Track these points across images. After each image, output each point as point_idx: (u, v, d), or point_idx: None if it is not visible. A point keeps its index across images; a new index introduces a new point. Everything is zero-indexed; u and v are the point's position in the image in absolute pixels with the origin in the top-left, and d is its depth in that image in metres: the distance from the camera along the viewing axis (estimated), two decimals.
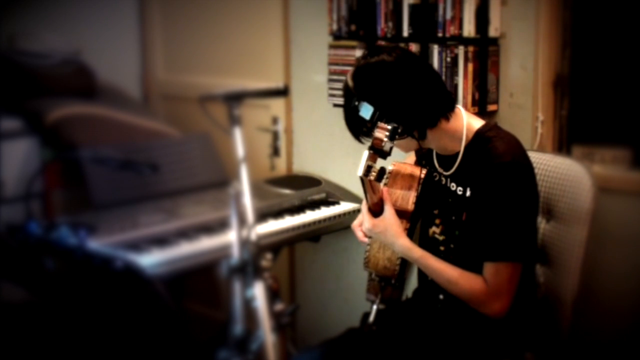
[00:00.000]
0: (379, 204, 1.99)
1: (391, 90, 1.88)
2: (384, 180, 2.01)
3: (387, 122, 1.78)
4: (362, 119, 1.87)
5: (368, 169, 1.80)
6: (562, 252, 2.09)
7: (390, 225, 1.97)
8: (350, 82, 1.91)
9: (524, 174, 1.89)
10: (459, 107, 2.01)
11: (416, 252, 1.96)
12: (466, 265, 1.94)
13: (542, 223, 2.15)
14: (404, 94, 1.89)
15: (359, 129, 1.92)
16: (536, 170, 2.13)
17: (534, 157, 2.17)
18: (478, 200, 1.92)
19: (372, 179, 1.82)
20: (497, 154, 1.87)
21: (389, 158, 1.79)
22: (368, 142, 1.82)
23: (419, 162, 2.13)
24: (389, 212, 1.98)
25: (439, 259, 1.97)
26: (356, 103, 1.88)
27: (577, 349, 2.19)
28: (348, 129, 1.95)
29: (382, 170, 1.82)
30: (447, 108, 1.94)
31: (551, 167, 2.14)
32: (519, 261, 1.90)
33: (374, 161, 1.80)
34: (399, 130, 1.81)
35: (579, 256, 2.05)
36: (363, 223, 2.04)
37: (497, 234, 1.88)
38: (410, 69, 1.91)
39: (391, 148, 1.77)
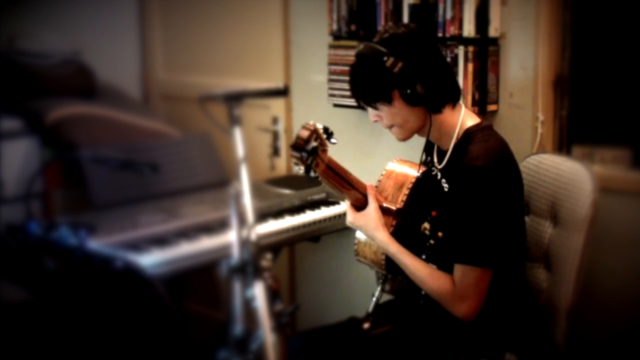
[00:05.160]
0: (363, 200, 2.01)
1: (423, 51, 1.92)
2: (378, 178, 2.01)
3: (412, 86, 1.84)
4: (377, 83, 1.89)
5: (300, 165, 1.80)
6: (560, 258, 2.07)
7: (371, 219, 1.99)
8: (375, 46, 1.90)
9: (493, 180, 1.85)
10: (461, 103, 2.01)
11: (393, 247, 1.97)
12: (448, 263, 1.93)
13: (548, 228, 2.13)
14: (434, 58, 1.94)
15: (378, 91, 1.91)
16: (539, 174, 2.12)
17: (540, 160, 2.16)
18: (452, 200, 1.93)
19: (313, 174, 1.83)
20: (471, 157, 1.87)
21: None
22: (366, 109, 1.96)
23: (424, 153, 2.12)
24: (371, 206, 2.00)
25: (413, 255, 1.97)
26: (385, 58, 1.86)
27: (577, 349, 2.19)
28: (356, 95, 1.98)
29: (314, 150, 1.80)
30: (455, 94, 1.98)
31: (558, 170, 2.11)
32: (485, 267, 1.87)
33: (297, 159, 1.80)
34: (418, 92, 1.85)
35: (574, 264, 2.01)
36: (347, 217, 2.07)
37: (465, 237, 1.87)
38: (433, 42, 2.00)
39: (314, 148, 1.78)
